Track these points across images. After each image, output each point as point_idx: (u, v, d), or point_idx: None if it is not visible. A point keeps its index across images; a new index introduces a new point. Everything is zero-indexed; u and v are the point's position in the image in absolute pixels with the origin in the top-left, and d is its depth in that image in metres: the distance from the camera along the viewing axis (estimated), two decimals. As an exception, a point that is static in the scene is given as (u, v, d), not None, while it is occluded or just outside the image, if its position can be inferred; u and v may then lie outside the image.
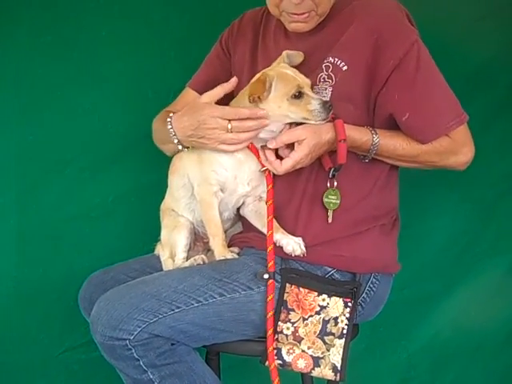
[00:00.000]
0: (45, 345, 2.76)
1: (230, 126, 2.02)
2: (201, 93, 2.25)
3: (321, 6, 2.07)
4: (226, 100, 2.15)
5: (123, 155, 2.77)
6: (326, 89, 2.09)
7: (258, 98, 2.02)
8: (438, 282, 3.00)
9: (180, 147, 2.15)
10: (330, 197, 2.11)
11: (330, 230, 2.10)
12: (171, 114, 2.16)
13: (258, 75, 2.08)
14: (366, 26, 2.05)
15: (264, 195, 2.16)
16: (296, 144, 2.02)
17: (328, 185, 2.10)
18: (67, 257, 2.74)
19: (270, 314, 2.02)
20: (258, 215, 2.18)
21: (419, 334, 3.05)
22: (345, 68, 2.07)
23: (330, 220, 2.10)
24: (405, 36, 2.04)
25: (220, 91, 2.09)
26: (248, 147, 2.10)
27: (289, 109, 2.02)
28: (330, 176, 2.09)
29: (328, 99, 2.04)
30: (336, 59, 2.08)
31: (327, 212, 2.10)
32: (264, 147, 2.08)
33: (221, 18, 2.57)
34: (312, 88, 2.07)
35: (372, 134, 2.06)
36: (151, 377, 2.00)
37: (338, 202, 2.10)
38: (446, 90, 2.10)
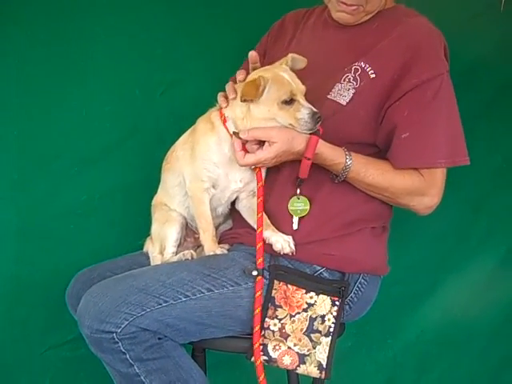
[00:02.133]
0: (29, 342, 2.75)
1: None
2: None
3: (370, 3, 2.11)
4: None
5: (110, 152, 2.75)
6: (348, 89, 2.10)
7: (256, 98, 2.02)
8: (425, 281, 3.02)
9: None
10: (295, 204, 2.12)
11: (322, 229, 2.11)
12: None
13: (253, 76, 2.07)
14: (405, 42, 2.07)
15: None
16: (266, 144, 2.02)
17: (297, 191, 2.11)
18: (53, 254, 2.72)
19: (258, 310, 2.02)
20: (250, 211, 2.18)
21: (405, 333, 3.07)
22: (373, 76, 2.08)
23: (295, 227, 2.11)
24: (435, 65, 2.07)
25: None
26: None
27: (277, 113, 2.02)
28: (297, 185, 2.10)
29: (315, 109, 2.01)
30: (367, 65, 2.09)
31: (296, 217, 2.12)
32: (236, 134, 2.07)
33: (209, 15, 2.57)
34: (332, 86, 2.09)
35: (346, 157, 2.06)
36: (137, 371, 2.00)
37: (307, 207, 2.11)
38: (455, 127, 2.11)
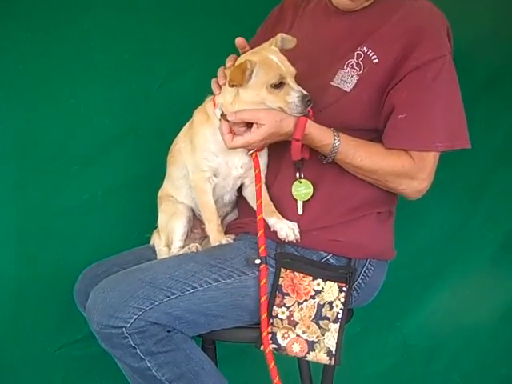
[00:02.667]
0: (40, 342, 2.76)
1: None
2: None
3: None
4: None
5: (110, 149, 2.75)
6: (352, 76, 2.09)
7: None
8: (432, 264, 3.02)
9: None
10: (298, 189, 2.11)
11: (327, 215, 2.10)
12: None
13: (240, 60, 2.06)
14: (407, 25, 2.06)
15: (263, 176, 2.16)
16: (254, 126, 2.01)
17: (297, 175, 2.11)
18: (58, 253, 2.73)
19: (264, 298, 2.02)
20: (255, 198, 2.16)
21: (414, 316, 3.07)
22: (376, 61, 2.07)
23: (300, 211, 2.11)
24: (437, 47, 2.05)
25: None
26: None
27: (267, 97, 2.00)
28: (296, 168, 2.10)
29: (305, 92, 2.00)
30: (369, 50, 2.08)
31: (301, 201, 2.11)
32: (223, 117, 2.05)
33: (205, 7, 2.56)
34: (335, 73, 2.07)
35: (334, 138, 2.03)
36: (148, 365, 2.00)
37: (310, 190, 2.11)
38: (456, 110, 2.09)
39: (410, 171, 2.07)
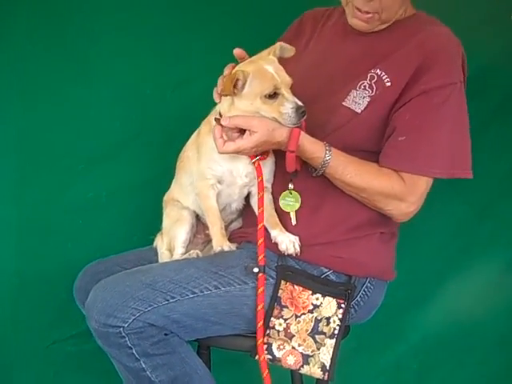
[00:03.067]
0: (34, 336, 2.76)
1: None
2: None
3: (386, 11, 2.08)
4: None
5: (118, 150, 2.76)
6: (363, 97, 2.09)
7: (233, 92, 2.00)
8: (429, 285, 3.03)
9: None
10: (286, 199, 2.12)
11: (330, 231, 2.11)
12: None
13: (234, 70, 2.05)
14: (422, 50, 2.06)
15: (268, 185, 2.17)
16: (247, 132, 2.01)
17: (290, 186, 2.12)
18: (60, 250, 2.74)
19: (260, 306, 2.02)
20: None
21: (408, 336, 3.08)
22: (388, 84, 2.07)
23: (293, 222, 2.12)
24: (449, 73, 2.06)
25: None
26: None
27: (261, 107, 2.00)
28: (289, 179, 2.11)
29: (300, 103, 1.99)
30: (383, 73, 2.08)
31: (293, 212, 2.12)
32: (217, 121, 2.05)
33: (220, 11, 2.56)
34: (347, 93, 2.07)
35: (326, 152, 2.03)
36: (143, 366, 2.01)
37: (298, 204, 2.12)
38: (460, 139, 2.08)
39: (400, 193, 2.06)
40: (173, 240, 2.26)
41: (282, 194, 2.13)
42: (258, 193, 2.10)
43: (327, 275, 2.12)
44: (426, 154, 2.05)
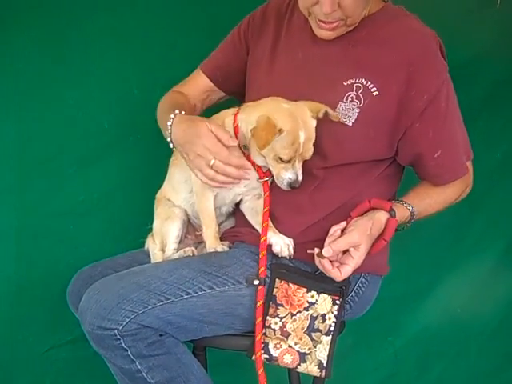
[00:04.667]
0: (30, 342, 2.74)
1: (212, 162, 2.01)
2: (212, 78, 2.34)
3: (351, 18, 2.03)
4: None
5: (108, 152, 2.73)
6: (353, 109, 2.06)
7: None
8: (425, 278, 3.02)
9: (171, 146, 2.15)
10: None
11: (323, 228, 2.09)
12: (177, 112, 2.13)
13: (269, 118, 1.94)
14: (403, 57, 2.03)
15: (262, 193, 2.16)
16: (352, 249, 1.99)
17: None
18: (52, 254, 2.71)
19: (259, 320, 2.02)
20: (254, 212, 2.18)
21: (406, 330, 3.07)
22: (376, 93, 2.04)
23: None
24: (438, 72, 2.06)
25: (226, 138, 2.02)
26: (244, 155, 2.08)
27: (270, 161, 2.00)
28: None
29: (300, 178, 2.00)
30: (368, 82, 2.05)
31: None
32: (320, 255, 2.01)
33: (209, 13, 2.55)
34: (335, 107, 2.04)
35: (407, 207, 2.09)
36: (139, 367, 2.00)
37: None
38: (463, 127, 2.16)
39: (468, 180, 2.24)
40: (165, 237, 2.25)
41: None
42: (264, 207, 2.10)
43: (321, 272, 2.09)
44: (460, 154, 2.15)
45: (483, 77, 2.86)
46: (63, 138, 2.69)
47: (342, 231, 2.04)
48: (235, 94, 2.44)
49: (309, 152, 2.00)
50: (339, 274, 2.00)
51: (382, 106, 2.05)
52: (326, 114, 2.03)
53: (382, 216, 2.04)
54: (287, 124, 1.96)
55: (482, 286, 3.06)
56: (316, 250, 2.03)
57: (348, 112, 2.06)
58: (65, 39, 2.66)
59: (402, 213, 2.09)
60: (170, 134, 2.13)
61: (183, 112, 2.16)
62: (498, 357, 3.08)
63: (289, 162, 1.98)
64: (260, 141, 1.94)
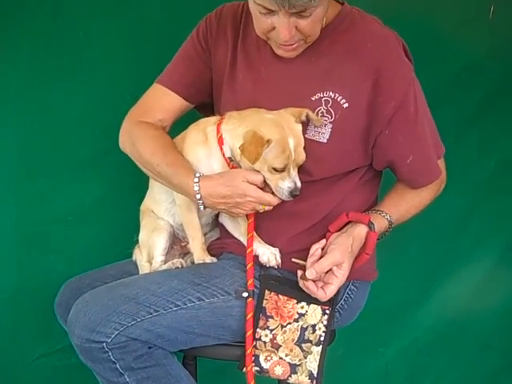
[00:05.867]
0: (19, 351, 2.73)
1: (262, 210, 2.03)
2: (185, 96, 2.24)
3: (310, 36, 1.99)
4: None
5: (100, 159, 2.72)
6: (325, 125, 2.03)
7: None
8: (417, 289, 3.01)
9: (202, 207, 2.05)
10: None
11: (309, 237, 2.08)
12: (198, 175, 2.02)
13: (255, 132, 1.93)
14: (367, 64, 1.99)
15: None
16: (335, 268, 1.99)
17: None
18: (42, 262, 2.70)
19: (249, 332, 2.01)
20: (235, 223, 2.17)
21: (397, 341, 3.05)
22: (346, 105, 2.01)
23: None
24: (403, 74, 2.02)
25: (261, 181, 2.00)
26: (229, 166, 2.06)
27: (265, 173, 1.98)
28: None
29: (299, 185, 1.98)
30: (336, 95, 2.01)
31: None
32: (304, 277, 1.99)
33: (199, 16, 2.53)
34: (306, 126, 2.02)
35: (385, 217, 2.10)
36: (127, 380, 1.99)
37: None
38: (432, 123, 2.15)
39: (440, 185, 2.24)
40: (151, 249, 2.23)
41: None
42: (248, 233, 2.08)
43: (309, 281, 2.10)
44: (431, 155, 2.14)
45: (477, 85, 2.85)
46: (54, 145, 2.68)
47: (323, 249, 2.03)
48: (204, 105, 2.34)
49: (301, 157, 1.99)
50: (324, 294, 1.98)
51: (353, 117, 2.03)
52: (308, 117, 2.01)
53: (361, 231, 2.03)
54: (274, 134, 1.95)
55: (474, 297, 3.04)
56: (299, 273, 2.01)
57: (321, 129, 2.03)
58: (57, 46, 2.65)
59: (380, 224, 2.08)
60: (201, 197, 2.02)
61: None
62: (491, 368, 3.07)
63: (283, 170, 1.97)
64: (251, 155, 1.93)
